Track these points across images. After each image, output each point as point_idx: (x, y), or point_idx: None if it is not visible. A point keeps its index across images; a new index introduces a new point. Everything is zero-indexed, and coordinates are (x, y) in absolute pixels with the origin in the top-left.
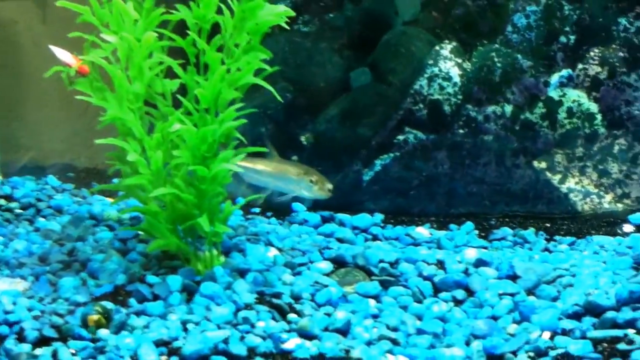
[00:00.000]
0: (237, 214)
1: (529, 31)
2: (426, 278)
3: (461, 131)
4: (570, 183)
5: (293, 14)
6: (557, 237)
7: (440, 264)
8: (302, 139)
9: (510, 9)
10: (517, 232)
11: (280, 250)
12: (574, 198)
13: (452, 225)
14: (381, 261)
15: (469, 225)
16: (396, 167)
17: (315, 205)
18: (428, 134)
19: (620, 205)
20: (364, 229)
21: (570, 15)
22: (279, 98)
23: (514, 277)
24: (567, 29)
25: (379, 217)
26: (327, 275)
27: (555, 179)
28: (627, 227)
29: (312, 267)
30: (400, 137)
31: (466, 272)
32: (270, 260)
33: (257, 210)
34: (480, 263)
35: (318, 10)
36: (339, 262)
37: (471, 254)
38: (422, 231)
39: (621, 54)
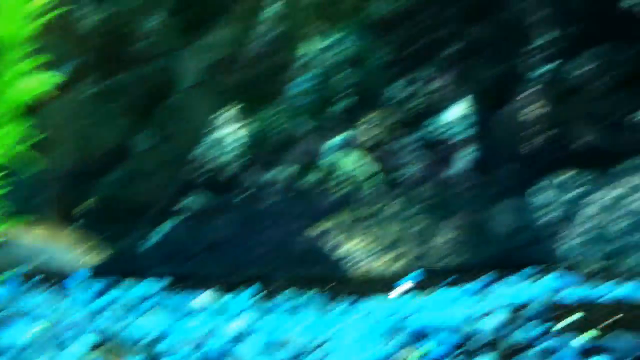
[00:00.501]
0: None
1: (309, 95)
2: (195, 348)
3: (243, 195)
4: (349, 245)
5: (60, 80)
6: (333, 301)
7: (212, 333)
8: (86, 203)
9: (291, 73)
10: (295, 296)
11: (44, 325)
12: (351, 260)
13: (235, 290)
14: (150, 333)
15: (251, 289)
16: (180, 231)
17: (97, 272)
18: (211, 198)
19: (394, 267)
20: (144, 296)
21: (347, 79)
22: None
23: (281, 344)
24: (345, 92)
25: (161, 283)
26: (93, 350)
27: (335, 241)
28: (398, 290)
29: (77, 342)
30: (184, 201)
31: (236, 340)
32: (28, 339)
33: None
34: (251, 330)
35: (102, 73)
36: (107, 336)
37: (243, 321)
38: (203, 297)
39: (397, 116)
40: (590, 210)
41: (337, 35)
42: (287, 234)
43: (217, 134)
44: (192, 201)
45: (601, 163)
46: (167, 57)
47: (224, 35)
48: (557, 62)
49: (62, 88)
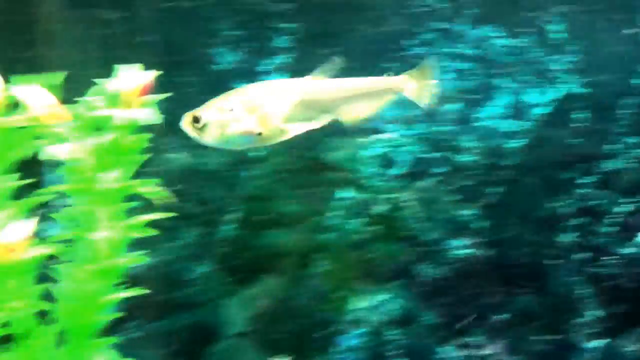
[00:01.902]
0: None
1: (357, 351)
2: None
3: None
4: None
5: None
6: None
7: None
8: None
9: (338, 328)
10: None
11: None
12: None
13: None
14: None
15: None
16: None
17: None
18: None
19: None
20: None
21: (396, 339)
22: None
23: None
24: (394, 352)
25: None
26: None
27: None
28: None
29: None
30: None
31: None
32: None
33: None
34: None
35: (149, 315)
36: None
37: None
38: None
39: None
40: None
41: (384, 295)
42: None
43: None
44: None
45: None
46: (213, 305)
47: (270, 287)
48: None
49: None
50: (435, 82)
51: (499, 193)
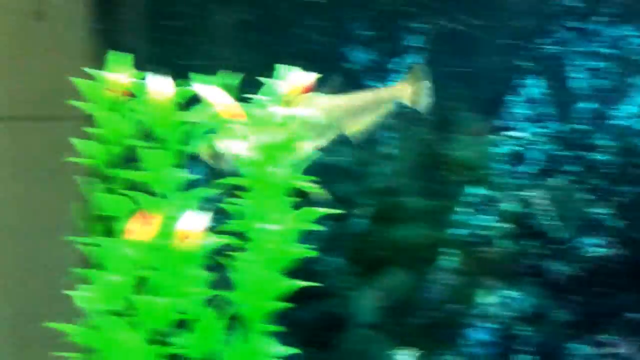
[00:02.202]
0: None
1: (487, 346)
2: None
3: None
4: None
5: None
6: None
7: None
8: None
9: (467, 322)
10: None
11: None
12: None
13: None
14: None
15: None
16: None
17: None
18: None
19: None
20: None
21: (526, 335)
22: None
23: None
24: (525, 349)
25: None
26: None
27: None
28: None
29: None
30: None
31: None
32: None
33: None
34: None
35: None
36: None
37: None
38: None
39: None
40: None
41: (513, 291)
42: None
43: None
44: None
45: None
46: (344, 296)
47: (399, 280)
48: None
49: None
50: (428, 86)
51: (633, 192)
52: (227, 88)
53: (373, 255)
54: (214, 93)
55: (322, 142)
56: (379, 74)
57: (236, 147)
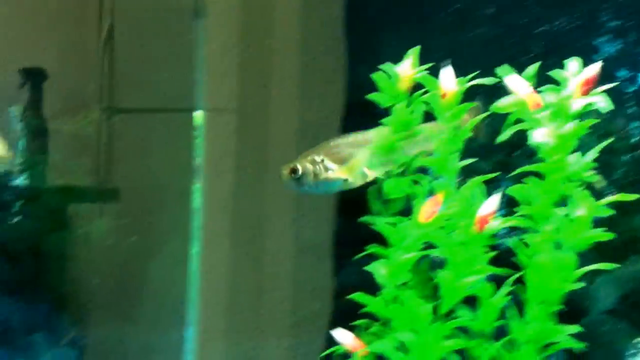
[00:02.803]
0: None
1: None
2: None
3: None
4: None
5: None
6: None
7: None
8: None
9: None
10: None
11: None
12: None
13: None
14: None
15: None
16: None
17: None
18: None
19: None
20: None
21: None
22: None
23: None
24: None
25: None
26: None
27: None
28: None
29: None
30: None
31: None
32: None
33: None
34: None
35: None
36: None
37: None
38: None
39: None
40: None
41: None
42: None
43: None
44: None
45: None
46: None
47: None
48: None
49: None
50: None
51: None
52: (528, 78)
53: (613, 242)
54: (517, 83)
55: (389, 167)
56: (629, 64)
57: (539, 134)
